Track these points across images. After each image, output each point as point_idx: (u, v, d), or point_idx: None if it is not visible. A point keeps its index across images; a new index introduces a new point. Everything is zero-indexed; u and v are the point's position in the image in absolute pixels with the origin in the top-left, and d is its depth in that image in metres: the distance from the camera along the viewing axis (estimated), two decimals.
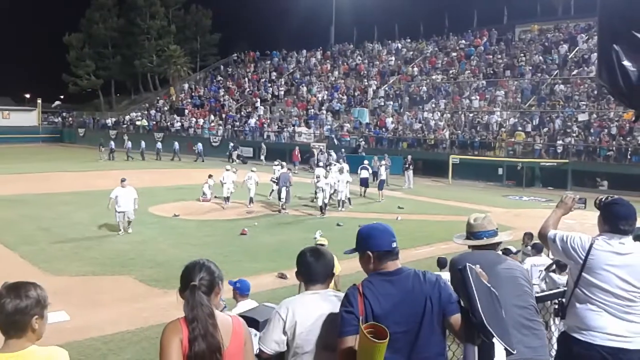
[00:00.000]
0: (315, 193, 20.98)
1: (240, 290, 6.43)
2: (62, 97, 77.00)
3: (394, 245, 2.87)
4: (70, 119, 66.88)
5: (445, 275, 9.69)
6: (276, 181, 21.57)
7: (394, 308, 2.73)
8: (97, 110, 67.74)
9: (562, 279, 7.30)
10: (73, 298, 10.30)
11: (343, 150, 35.15)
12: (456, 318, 2.79)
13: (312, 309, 2.92)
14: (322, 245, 7.85)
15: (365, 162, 27.60)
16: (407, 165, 29.01)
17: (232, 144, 42.33)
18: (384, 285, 2.79)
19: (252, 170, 22.45)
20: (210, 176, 23.24)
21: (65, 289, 10.73)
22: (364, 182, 25.53)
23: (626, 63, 3.63)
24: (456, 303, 2.82)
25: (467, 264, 2.87)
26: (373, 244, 2.87)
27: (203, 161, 40.97)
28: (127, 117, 58.37)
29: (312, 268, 3.06)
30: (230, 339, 2.58)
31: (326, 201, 20.67)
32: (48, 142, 60.10)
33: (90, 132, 57.92)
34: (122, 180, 16.66)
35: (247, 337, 2.71)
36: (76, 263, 13.22)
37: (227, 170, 22.59)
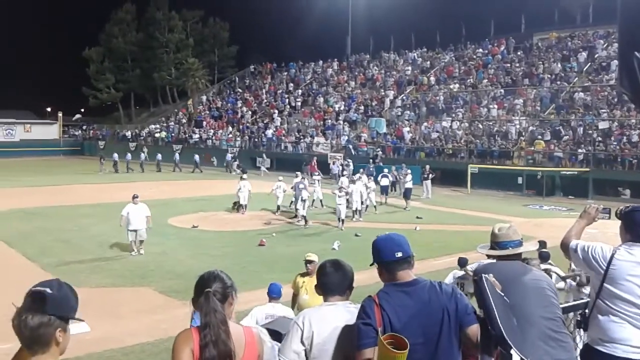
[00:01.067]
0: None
1: (270, 292, 6.92)
2: (82, 110, 77.98)
3: (398, 255, 2.85)
4: (90, 131, 67.80)
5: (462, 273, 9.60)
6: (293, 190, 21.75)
7: (411, 320, 2.71)
8: (117, 123, 68.61)
9: (587, 289, 7.17)
10: (93, 309, 10.31)
11: (371, 160, 34.86)
12: (472, 329, 2.77)
13: (329, 319, 2.92)
14: (311, 261, 7.72)
15: (385, 170, 27.90)
16: (425, 175, 28.89)
17: (231, 155, 43.76)
18: (400, 296, 2.78)
19: (279, 180, 22.95)
20: (242, 178, 23.85)
21: (85, 300, 10.57)
22: (384, 190, 25.91)
23: None
24: (472, 314, 2.81)
25: (483, 275, 2.83)
26: (378, 255, 2.91)
27: (193, 172, 41.51)
28: (146, 130, 59.05)
29: (331, 279, 3.07)
30: (245, 349, 2.58)
31: (343, 217, 20.21)
32: (68, 155, 60.87)
33: (110, 145, 58.58)
34: (134, 197, 15.57)
35: (262, 349, 2.71)
36: (96, 275, 13.31)
37: (243, 179, 23.19)
